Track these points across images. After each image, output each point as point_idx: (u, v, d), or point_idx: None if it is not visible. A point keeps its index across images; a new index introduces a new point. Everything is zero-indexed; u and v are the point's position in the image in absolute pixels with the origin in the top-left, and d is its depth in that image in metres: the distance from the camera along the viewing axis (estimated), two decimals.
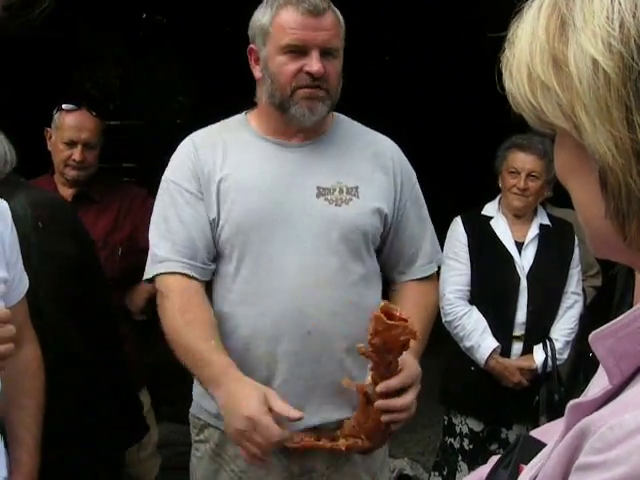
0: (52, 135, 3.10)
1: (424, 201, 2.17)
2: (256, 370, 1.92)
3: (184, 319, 1.87)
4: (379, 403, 1.78)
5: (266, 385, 1.85)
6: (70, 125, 3.05)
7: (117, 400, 2.46)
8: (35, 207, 2.18)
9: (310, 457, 2.01)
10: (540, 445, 0.97)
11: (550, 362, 3.09)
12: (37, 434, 1.84)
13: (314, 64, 1.88)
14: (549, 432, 1.01)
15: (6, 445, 1.79)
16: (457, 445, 3.25)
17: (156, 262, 1.98)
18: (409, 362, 1.81)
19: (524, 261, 3.14)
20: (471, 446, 3.22)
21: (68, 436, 2.10)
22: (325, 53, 1.91)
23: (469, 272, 3.15)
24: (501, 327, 3.11)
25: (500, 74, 0.77)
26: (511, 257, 3.13)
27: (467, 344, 3.10)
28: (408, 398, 1.81)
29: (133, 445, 2.84)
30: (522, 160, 3.13)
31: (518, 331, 3.12)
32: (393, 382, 1.77)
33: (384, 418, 1.80)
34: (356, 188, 1.99)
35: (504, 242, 3.15)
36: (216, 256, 2.00)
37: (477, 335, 3.07)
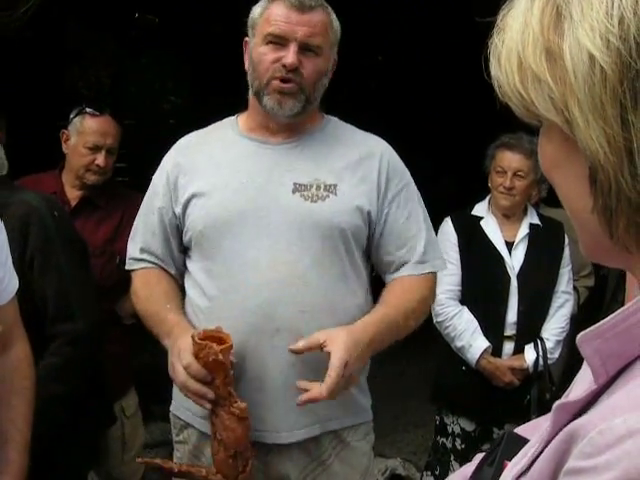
0: (70, 137, 3.05)
1: (421, 204, 2.11)
2: None
3: (144, 295, 2.11)
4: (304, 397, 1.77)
5: (236, 386, 1.88)
6: (94, 130, 3.01)
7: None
8: (44, 200, 2.40)
9: (285, 463, 2.00)
10: (524, 442, 0.97)
11: (541, 361, 3.09)
12: (27, 433, 1.84)
13: (289, 57, 1.91)
14: (533, 428, 1.01)
15: None
16: (449, 445, 3.26)
17: (128, 259, 2.19)
18: (333, 347, 1.78)
19: (514, 261, 3.15)
20: (463, 446, 3.22)
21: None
22: (305, 49, 1.93)
23: (460, 272, 3.15)
24: (492, 327, 3.12)
25: (487, 61, 0.75)
26: (501, 257, 3.13)
27: (458, 344, 3.10)
28: (328, 381, 1.75)
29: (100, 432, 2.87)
30: (509, 159, 3.15)
31: (509, 331, 3.13)
32: (329, 381, 1.75)
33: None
34: (334, 186, 1.98)
35: (494, 242, 3.16)
36: (191, 252, 2.06)
37: (468, 335, 3.07)
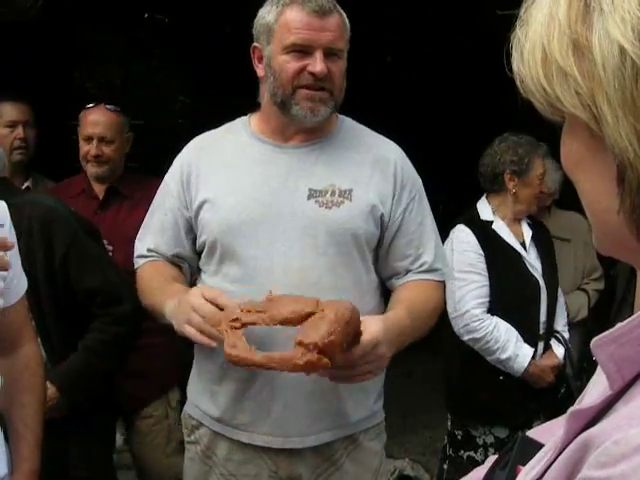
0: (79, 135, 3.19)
1: (430, 211, 2.10)
2: (237, 372, 1.88)
3: (147, 277, 2.10)
4: (340, 373, 1.71)
5: (248, 389, 1.90)
6: (86, 121, 3.13)
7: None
8: (56, 198, 2.50)
9: (297, 464, 1.99)
10: (537, 445, 0.95)
11: (567, 354, 3.11)
12: (38, 431, 1.86)
13: (317, 64, 1.88)
14: (546, 432, 1.00)
15: (6, 441, 1.80)
16: (481, 457, 3.13)
17: (135, 257, 2.18)
18: (369, 326, 1.72)
19: (535, 261, 3.13)
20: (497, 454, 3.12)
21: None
22: (329, 54, 1.90)
23: (487, 283, 3.03)
24: (528, 330, 3.05)
25: (508, 55, 0.72)
26: (523, 259, 3.10)
27: (503, 356, 2.98)
28: (364, 370, 1.73)
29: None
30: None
31: (540, 330, 3.11)
32: (355, 353, 1.68)
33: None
34: (350, 191, 1.96)
35: (514, 246, 3.10)
36: (204, 256, 2.04)
37: (512, 345, 2.97)
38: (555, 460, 0.71)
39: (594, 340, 0.69)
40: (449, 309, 2.97)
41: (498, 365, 3.02)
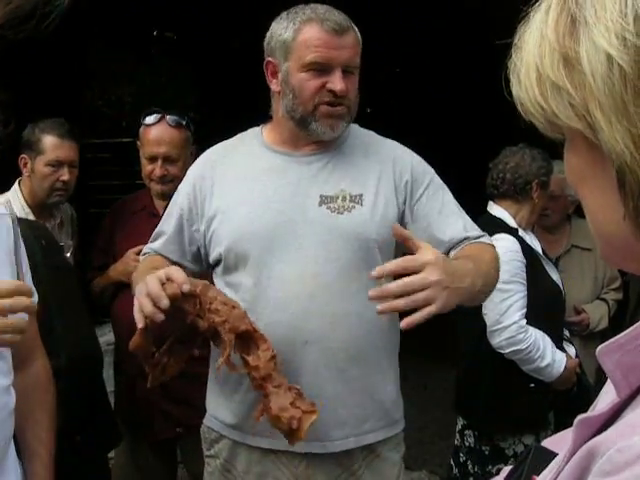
0: (139, 149, 3.05)
1: (450, 196, 2.07)
2: None
3: (135, 277, 2.02)
4: (393, 286, 1.61)
5: None
6: (149, 140, 2.96)
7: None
8: (31, 227, 2.38)
9: (316, 475, 1.99)
10: (552, 455, 0.95)
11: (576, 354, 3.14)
12: (51, 447, 1.86)
13: (337, 83, 1.91)
14: (561, 441, 0.99)
15: (19, 457, 1.80)
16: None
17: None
18: (421, 250, 1.67)
19: (551, 268, 3.13)
20: None
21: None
22: (346, 71, 1.94)
23: (527, 292, 2.97)
24: (556, 335, 3.05)
25: (508, 81, 0.75)
26: (545, 266, 3.09)
27: (542, 364, 2.94)
28: (400, 282, 1.61)
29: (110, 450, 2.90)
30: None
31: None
32: (388, 265, 1.65)
33: (399, 302, 1.61)
34: (360, 196, 1.98)
35: (540, 253, 3.09)
36: (218, 266, 2.05)
37: (549, 352, 2.94)
38: (564, 469, 0.71)
39: (599, 348, 0.69)
40: (491, 322, 2.90)
41: (534, 374, 2.97)
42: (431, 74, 7.41)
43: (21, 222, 2.38)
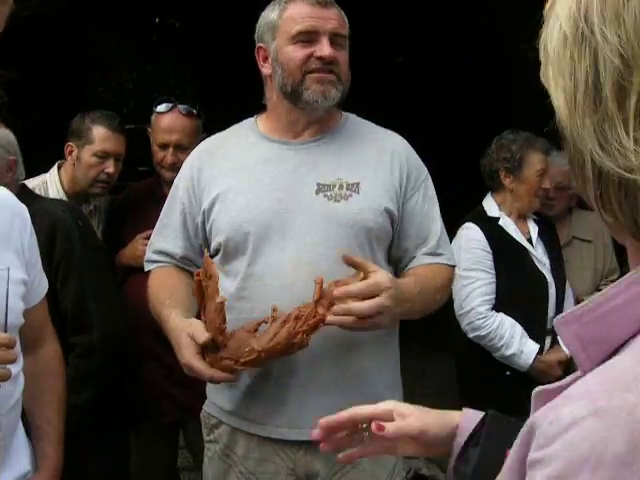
0: (150, 137, 3.07)
1: (435, 201, 2.13)
2: None
3: (152, 294, 2.09)
4: (337, 308, 1.76)
5: (263, 381, 1.94)
6: (160, 127, 2.99)
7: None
8: (69, 208, 2.52)
9: (314, 460, 2.00)
10: (508, 421, 0.97)
11: None
12: (60, 429, 1.89)
13: (325, 49, 1.94)
14: None
15: (29, 438, 1.83)
16: None
17: (145, 261, 2.21)
18: (377, 273, 1.79)
19: (542, 256, 3.14)
20: None
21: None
22: (334, 41, 1.96)
23: (494, 280, 3.04)
24: (537, 327, 3.06)
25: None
26: (530, 255, 3.10)
27: (507, 353, 2.99)
28: (365, 305, 1.75)
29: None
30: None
31: (548, 326, 3.11)
32: (352, 287, 1.77)
33: (332, 319, 1.78)
34: (357, 184, 1.99)
35: (521, 242, 3.11)
36: (217, 255, 2.06)
37: (517, 341, 2.98)
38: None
39: (557, 318, 0.70)
40: (455, 307, 3.00)
41: (504, 361, 3.03)
42: (434, 64, 7.39)
43: (59, 204, 2.52)
